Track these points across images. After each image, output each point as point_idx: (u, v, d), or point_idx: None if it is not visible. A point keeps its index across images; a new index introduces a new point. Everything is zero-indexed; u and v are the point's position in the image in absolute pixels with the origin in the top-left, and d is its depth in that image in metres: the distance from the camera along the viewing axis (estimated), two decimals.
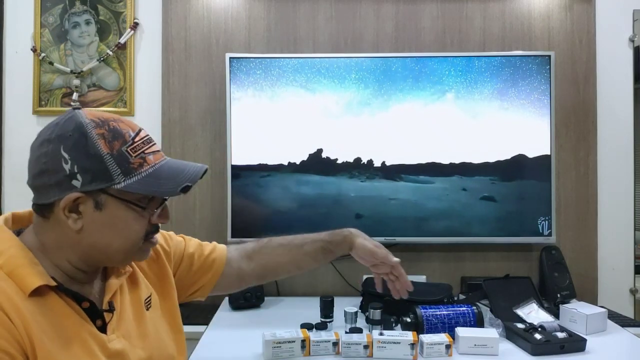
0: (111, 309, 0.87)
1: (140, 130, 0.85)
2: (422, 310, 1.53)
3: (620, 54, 2.06)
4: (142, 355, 0.90)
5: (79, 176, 0.78)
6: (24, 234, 0.86)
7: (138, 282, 0.97)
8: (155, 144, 0.87)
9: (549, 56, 1.93)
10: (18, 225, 0.88)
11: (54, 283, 0.79)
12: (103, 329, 0.85)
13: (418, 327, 1.50)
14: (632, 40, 2.06)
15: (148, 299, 0.98)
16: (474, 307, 1.55)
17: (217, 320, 1.72)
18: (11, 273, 0.77)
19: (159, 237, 1.01)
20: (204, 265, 1.13)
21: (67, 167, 0.78)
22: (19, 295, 0.76)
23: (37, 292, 0.78)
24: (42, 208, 0.82)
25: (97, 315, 0.85)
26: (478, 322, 1.52)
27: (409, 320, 1.52)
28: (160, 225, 0.91)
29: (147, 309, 0.96)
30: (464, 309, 1.55)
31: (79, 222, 0.81)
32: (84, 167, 0.78)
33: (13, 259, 0.79)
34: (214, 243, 1.19)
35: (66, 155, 0.78)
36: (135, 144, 0.82)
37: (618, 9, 2.06)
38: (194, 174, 0.85)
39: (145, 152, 0.83)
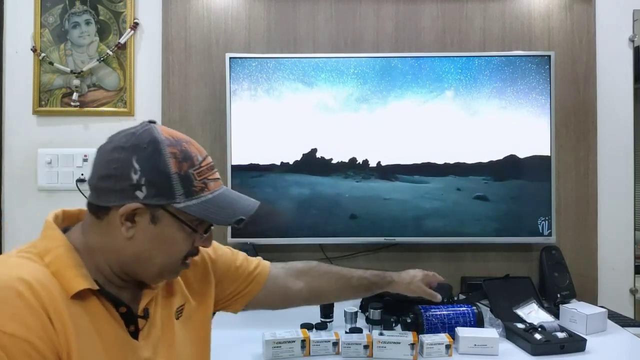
0: (145, 316, 0.89)
1: (207, 156, 0.88)
2: (422, 310, 1.52)
3: (620, 54, 2.06)
4: None
5: (144, 188, 0.81)
6: (72, 231, 0.88)
7: (173, 291, 0.98)
8: (216, 171, 0.89)
9: (549, 56, 1.93)
10: (67, 222, 0.90)
11: (96, 287, 0.82)
12: (135, 334, 0.87)
13: (418, 327, 1.49)
14: (632, 40, 2.06)
15: (180, 308, 0.99)
16: (474, 307, 1.55)
17: (217, 320, 1.70)
18: (57, 273, 0.80)
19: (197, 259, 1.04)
20: (247, 279, 1.15)
21: (135, 177, 0.81)
22: (62, 295, 0.78)
23: (79, 295, 0.80)
24: (98, 209, 0.84)
25: (132, 321, 0.87)
26: (478, 322, 1.52)
27: (408, 320, 1.52)
28: (199, 251, 0.94)
29: (177, 318, 0.97)
30: (464, 309, 1.55)
31: (131, 231, 0.83)
32: (151, 181, 0.81)
33: (60, 259, 0.81)
34: (259, 258, 1.20)
35: (137, 166, 0.81)
36: (201, 169, 0.85)
37: (618, 9, 2.06)
38: (248, 208, 0.89)
39: (208, 178, 0.86)
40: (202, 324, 1.04)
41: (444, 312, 1.53)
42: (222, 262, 1.11)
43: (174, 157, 0.82)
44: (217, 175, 0.89)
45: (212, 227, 0.91)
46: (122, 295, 0.88)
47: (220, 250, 1.13)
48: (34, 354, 0.73)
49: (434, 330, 1.49)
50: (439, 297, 1.37)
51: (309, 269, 1.25)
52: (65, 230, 0.87)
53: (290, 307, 1.26)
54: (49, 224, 0.86)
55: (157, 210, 0.82)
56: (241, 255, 1.17)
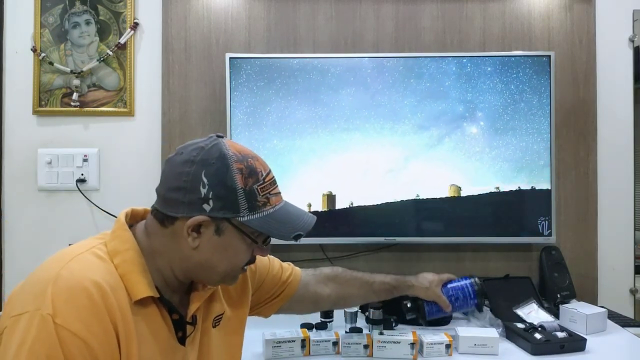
0: (194, 322, 0.93)
1: (269, 172, 0.92)
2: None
3: (620, 54, 2.06)
4: None
5: (211, 202, 0.85)
6: (137, 230, 0.91)
7: (214, 299, 1.01)
8: (277, 186, 0.93)
9: (549, 56, 1.93)
10: (132, 220, 0.93)
11: (158, 295, 0.86)
12: (182, 340, 0.90)
13: (419, 309, 1.45)
14: (632, 40, 2.06)
15: (219, 317, 1.02)
16: (472, 280, 1.46)
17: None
18: (124, 276, 0.83)
19: None
20: (282, 286, 1.20)
21: (203, 190, 0.84)
22: (127, 299, 0.82)
23: (141, 301, 0.84)
24: (165, 217, 0.88)
25: (181, 327, 0.90)
26: (478, 296, 1.44)
27: (409, 304, 1.48)
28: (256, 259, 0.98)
29: (214, 326, 1.00)
30: (463, 282, 1.46)
31: (197, 241, 0.86)
32: (218, 195, 0.85)
33: (129, 262, 0.85)
34: (292, 265, 1.27)
35: (205, 180, 0.85)
36: (265, 184, 0.89)
37: (618, 9, 2.06)
38: (307, 223, 0.93)
39: (270, 192, 0.90)
40: (237, 332, 1.07)
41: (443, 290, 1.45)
42: (260, 272, 1.16)
43: (240, 173, 0.86)
44: (278, 190, 0.93)
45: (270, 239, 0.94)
46: (174, 300, 0.91)
47: (259, 260, 1.15)
48: (90, 356, 0.75)
49: (435, 310, 1.43)
50: (449, 307, 1.40)
51: (335, 276, 1.31)
52: (130, 226, 0.91)
53: (318, 311, 1.38)
54: (121, 223, 0.90)
55: (222, 223, 0.86)
56: (277, 262, 1.23)
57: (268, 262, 1.19)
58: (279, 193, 0.93)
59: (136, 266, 0.85)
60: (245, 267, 0.95)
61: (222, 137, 0.92)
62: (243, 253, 0.90)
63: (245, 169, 0.87)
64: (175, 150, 0.92)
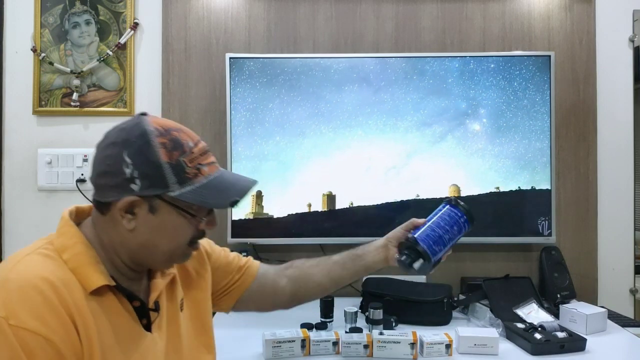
0: (157, 309, 0.92)
1: (199, 142, 0.89)
2: (416, 238, 1.17)
3: (620, 54, 2.06)
4: (175, 356, 0.94)
5: (137, 181, 0.83)
6: (84, 226, 0.90)
7: (176, 284, 1.01)
8: (211, 155, 0.90)
9: (549, 56, 1.93)
10: (79, 218, 0.92)
11: (113, 283, 0.84)
12: (148, 327, 0.89)
13: (421, 254, 1.15)
14: (632, 40, 2.06)
15: (182, 301, 1.01)
16: (449, 201, 1.21)
17: (217, 319, 1.70)
18: (75, 270, 0.82)
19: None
20: (239, 272, 1.17)
21: (127, 171, 0.82)
22: (81, 292, 0.80)
23: (97, 291, 0.82)
24: (101, 205, 0.87)
25: (144, 314, 0.89)
26: (467, 215, 1.18)
27: (402, 258, 1.17)
28: (206, 234, 0.94)
29: (181, 310, 1.00)
30: (441, 211, 1.20)
31: (133, 223, 0.85)
32: (143, 173, 0.83)
33: (78, 256, 0.83)
34: (250, 257, 1.23)
35: (128, 160, 0.82)
36: (193, 155, 0.86)
37: (618, 9, 2.06)
38: (243, 188, 0.89)
39: (201, 163, 0.87)
40: (204, 313, 1.06)
41: (436, 232, 1.17)
42: (216, 255, 1.14)
43: (163, 147, 0.83)
44: (212, 159, 0.90)
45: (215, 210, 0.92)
46: (134, 288, 0.90)
47: (215, 246, 1.16)
48: (52, 352, 0.74)
49: (435, 245, 1.15)
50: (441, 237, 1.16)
51: (291, 263, 1.26)
52: (77, 225, 0.89)
53: (281, 306, 1.24)
54: (66, 220, 0.88)
55: (154, 201, 0.84)
56: (233, 253, 1.20)
57: (223, 250, 1.18)
58: (214, 162, 0.90)
59: (86, 258, 0.83)
60: (196, 245, 0.93)
61: (145, 114, 0.89)
62: (184, 229, 0.88)
63: (168, 143, 0.84)
64: (103, 136, 0.89)
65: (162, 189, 0.83)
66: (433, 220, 1.19)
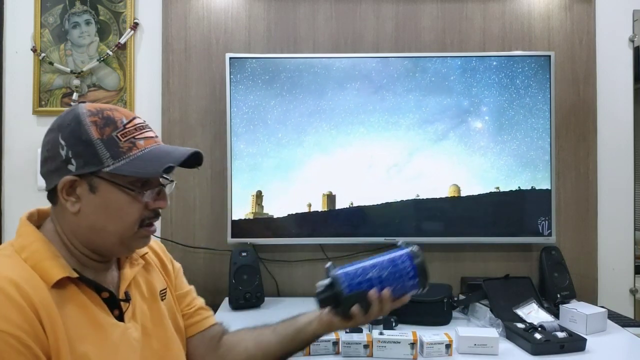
0: (127, 299, 0.91)
1: (134, 118, 0.88)
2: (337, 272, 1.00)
3: (620, 54, 2.06)
4: (157, 344, 0.94)
5: (73, 161, 0.83)
6: (44, 224, 0.90)
7: (155, 273, 1.01)
8: (150, 130, 0.90)
9: (549, 56, 1.93)
10: (41, 219, 0.92)
11: (75, 275, 0.83)
12: (120, 318, 0.88)
13: (333, 282, 0.98)
14: (632, 40, 2.06)
15: (164, 291, 1.01)
16: (409, 250, 1.01)
17: (217, 320, 1.72)
18: (35, 266, 0.81)
19: (155, 247, 1.06)
20: (196, 311, 1.08)
21: (63, 152, 0.84)
22: (43, 286, 0.79)
23: (59, 285, 0.81)
24: (51, 194, 0.87)
25: (115, 305, 0.88)
26: (420, 274, 0.99)
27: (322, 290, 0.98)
28: (160, 214, 0.92)
29: (162, 300, 1.00)
30: (394, 255, 1.02)
31: (77, 205, 0.85)
32: (77, 152, 0.83)
33: (36, 253, 0.83)
34: (211, 313, 1.12)
35: (63, 142, 0.84)
36: (126, 130, 0.86)
37: (618, 9, 2.06)
38: (179, 156, 0.87)
39: (136, 137, 0.86)
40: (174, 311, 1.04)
41: (362, 266, 1.01)
42: (177, 278, 1.08)
43: (94, 125, 0.84)
44: (151, 134, 0.89)
45: (166, 186, 0.91)
46: (102, 279, 0.90)
47: (180, 272, 1.10)
48: (21, 347, 0.74)
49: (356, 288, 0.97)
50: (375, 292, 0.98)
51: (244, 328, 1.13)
52: (39, 227, 0.89)
53: None
54: (23, 221, 0.89)
55: (92, 179, 0.84)
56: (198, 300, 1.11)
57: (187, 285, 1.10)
58: (152, 137, 0.89)
59: (45, 254, 0.83)
60: (149, 226, 0.89)
61: (83, 102, 0.91)
62: (129, 207, 0.86)
63: (99, 120, 0.84)
64: None
65: (96, 165, 0.83)
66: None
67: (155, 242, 1.07)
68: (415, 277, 0.99)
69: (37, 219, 0.91)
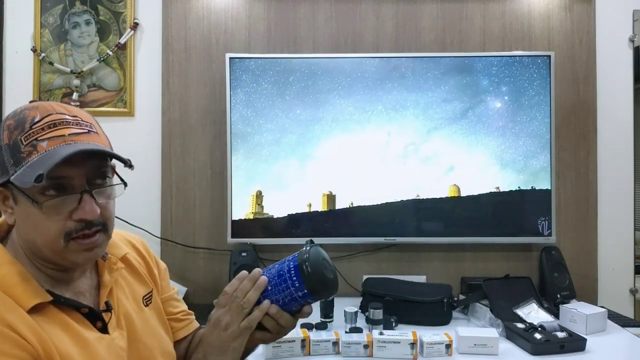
0: (109, 309, 0.85)
1: (50, 114, 0.75)
2: None
3: (620, 54, 2.07)
4: (145, 351, 0.89)
5: None
6: (10, 236, 0.82)
7: (139, 277, 0.95)
8: (67, 127, 0.75)
9: (549, 56, 1.93)
10: (7, 230, 0.84)
11: (50, 298, 0.76)
12: (104, 329, 0.83)
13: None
14: (632, 40, 2.06)
15: (148, 295, 0.95)
16: (297, 254, 0.88)
17: None
18: (7, 292, 0.74)
19: (138, 246, 0.98)
20: (182, 314, 1.04)
21: None
22: (21, 310, 0.73)
23: (36, 309, 0.75)
24: None
25: (97, 318, 0.82)
26: (305, 281, 0.83)
27: None
28: (101, 223, 0.78)
29: (147, 305, 0.94)
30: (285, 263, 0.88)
31: (12, 217, 0.78)
32: None
33: (5, 278, 0.75)
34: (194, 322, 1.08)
35: None
36: (31, 131, 0.73)
37: (618, 9, 2.06)
38: (55, 161, 0.70)
39: (39, 138, 0.73)
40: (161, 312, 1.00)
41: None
42: (166, 280, 1.03)
43: (7, 129, 0.75)
44: (63, 132, 0.74)
45: (88, 194, 0.76)
46: (77, 290, 0.83)
47: (166, 275, 1.05)
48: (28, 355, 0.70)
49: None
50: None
51: None
52: (6, 239, 0.82)
53: None
54: None
55: (12, 189, 0.74)
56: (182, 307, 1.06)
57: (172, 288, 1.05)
58: (61, 136, 0.74)
59: (13, 278, 0.75)
60: (80, 240, 0.76)
61: (34, 101, 0.83)
62: (46, 220, 0.73)
63: (13, 123, 0.74)
64: None
65: (6, 174, 0.73)
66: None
67: (138, 240, 1.00)
68: (301, 286, 0.83)
69: (4, 230, 0.83)
